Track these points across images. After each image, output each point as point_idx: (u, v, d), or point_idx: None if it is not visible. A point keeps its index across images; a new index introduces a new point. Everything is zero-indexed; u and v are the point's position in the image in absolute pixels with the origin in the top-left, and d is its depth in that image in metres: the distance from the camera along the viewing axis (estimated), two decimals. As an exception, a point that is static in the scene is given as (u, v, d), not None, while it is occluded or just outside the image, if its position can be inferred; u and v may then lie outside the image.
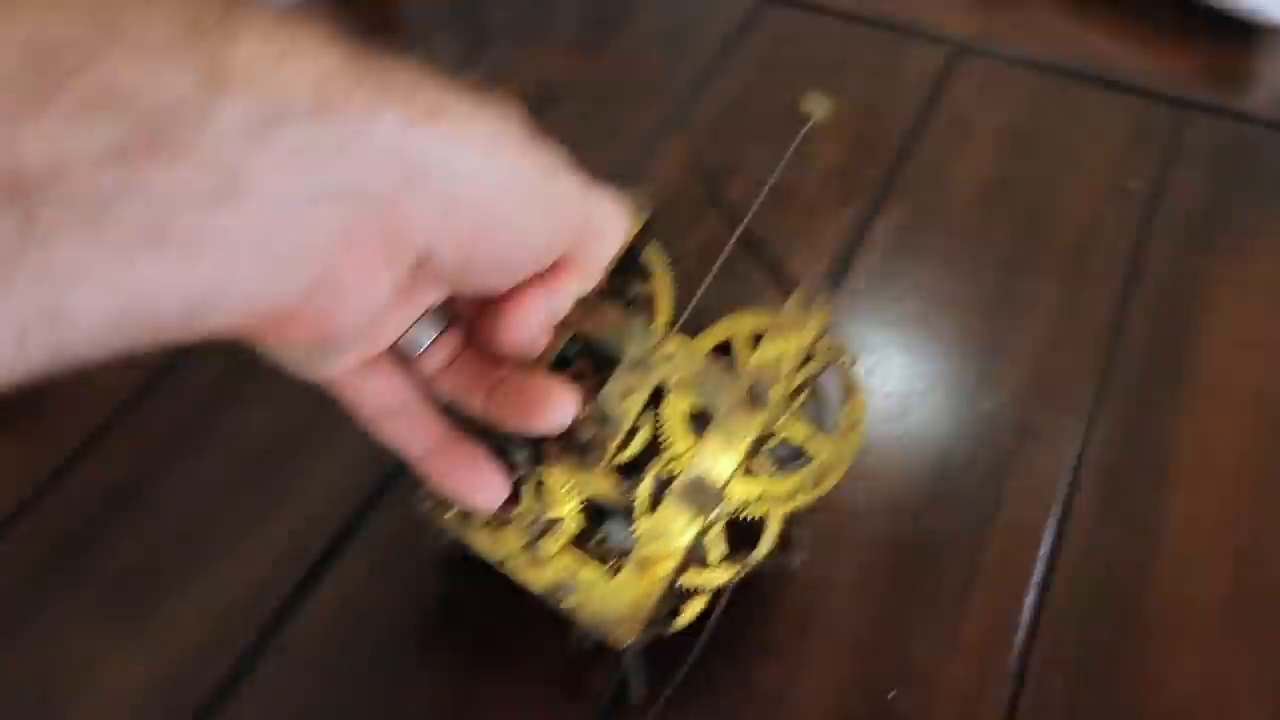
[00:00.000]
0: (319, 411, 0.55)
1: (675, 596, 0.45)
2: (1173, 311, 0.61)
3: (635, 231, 0.49)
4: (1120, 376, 0.58)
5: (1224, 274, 0.62)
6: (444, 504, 0.45)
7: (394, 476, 0.55)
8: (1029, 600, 0.50)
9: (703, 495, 0.44)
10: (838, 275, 0.63)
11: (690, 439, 0.46)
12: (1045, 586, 0.51)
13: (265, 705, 0.49)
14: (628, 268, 0.51)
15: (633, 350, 0.47)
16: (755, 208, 0.52)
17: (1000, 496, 0.54)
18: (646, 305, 0.49)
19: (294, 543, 0.54)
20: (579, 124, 0.73)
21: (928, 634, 0.49)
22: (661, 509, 0.44)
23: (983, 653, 0.49)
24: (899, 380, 0.58)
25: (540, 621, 0.48)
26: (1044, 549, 0.52)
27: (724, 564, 0.45)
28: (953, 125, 0.72)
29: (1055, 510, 0.53)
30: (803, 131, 0.55)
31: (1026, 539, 0.52)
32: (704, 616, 0.44)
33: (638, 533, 0.45)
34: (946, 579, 0.51)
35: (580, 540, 0.45)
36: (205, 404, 0.59)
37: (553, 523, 0.44)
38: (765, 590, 0.49)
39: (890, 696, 0.47)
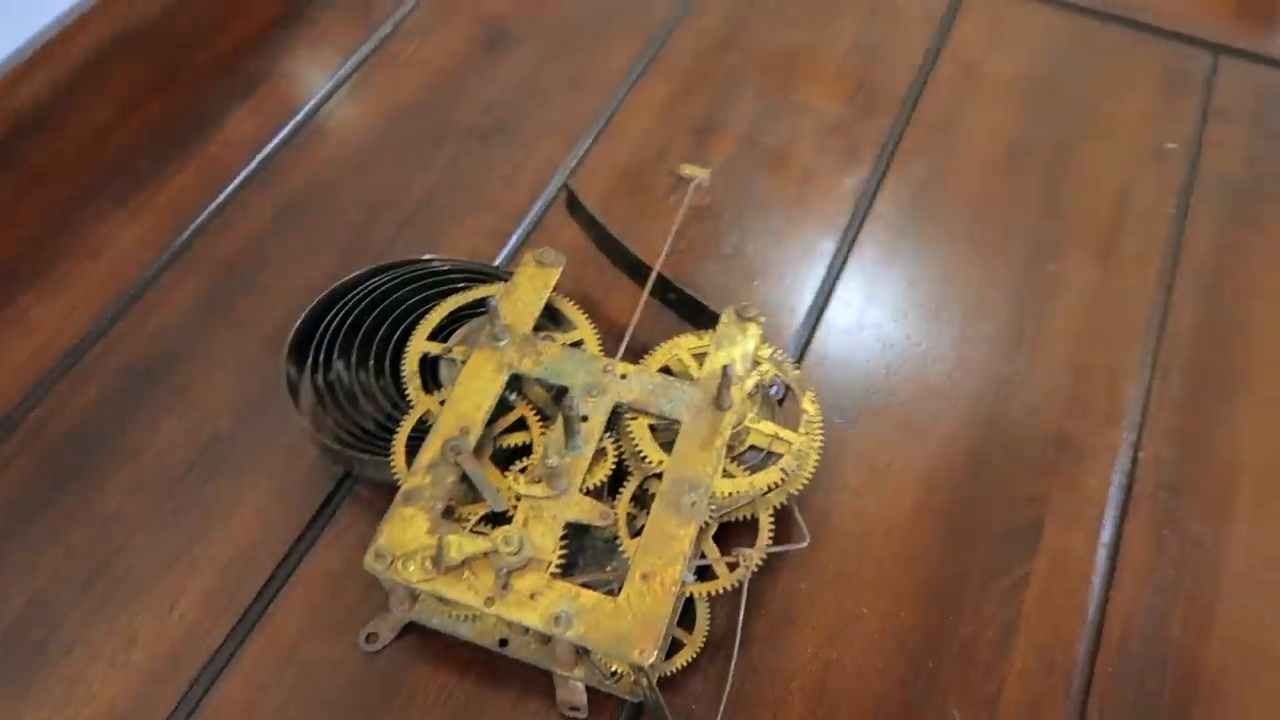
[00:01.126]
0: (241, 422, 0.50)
1: (684, 606, 0.42)
2: (1219, 297, 0.55)
3: (550, 285, 0.49)
4: (1169, 377, 0.52)
5: (1271, 251, 0.56)
6: (402, 557, 0.40)
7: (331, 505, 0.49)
8: (1080, 650, 0.45)
9: (691, 494, 0.41)
10: (841, 253, 0.58)
11: (660, 450, 0.44)
12: (1097, 631, 0.45)
13: None
14: (547, 320, 0.50)
15: (582, 377, 0.45)
16: (662, 259, 0.53)
17: (1040, 523, 0.48)
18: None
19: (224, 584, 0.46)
20: (538, 69, 0.67)
21: (965, 695, 0.43)
22: (652, 518, 0.41)
23: (1030, 718, 0.43)
24: (917, 384, 0.53)
25: (515, 678, 0.43)
26: (1095, 588, 0.46)
27: (727, 565, 0.42)
28: (963, 73, 0.66)
29: (1105, 539, 0.48)
30: (686, 200, 0.58)
31: (1074, 577, 0.47)
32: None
33: (627, 550, 0.41)
34: (983, 625, 0.45)
35: (564, 573, 0.41)
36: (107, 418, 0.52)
37: (531, 559, 0.40)
38: (783, 609, 0.45)
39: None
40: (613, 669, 0.42)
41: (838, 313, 0.56)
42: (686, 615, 0.44)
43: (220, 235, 0.59)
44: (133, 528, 0.48)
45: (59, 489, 0.49)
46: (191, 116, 0.64)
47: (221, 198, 0.60)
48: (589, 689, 0.42)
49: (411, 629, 0.44)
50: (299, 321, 0.50)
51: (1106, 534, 0.48)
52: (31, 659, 0.44)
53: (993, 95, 0.67)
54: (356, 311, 0.50)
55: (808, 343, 0.55)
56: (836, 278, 0.58)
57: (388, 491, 0.42)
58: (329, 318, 0.50)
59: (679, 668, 0.42)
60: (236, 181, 0.61)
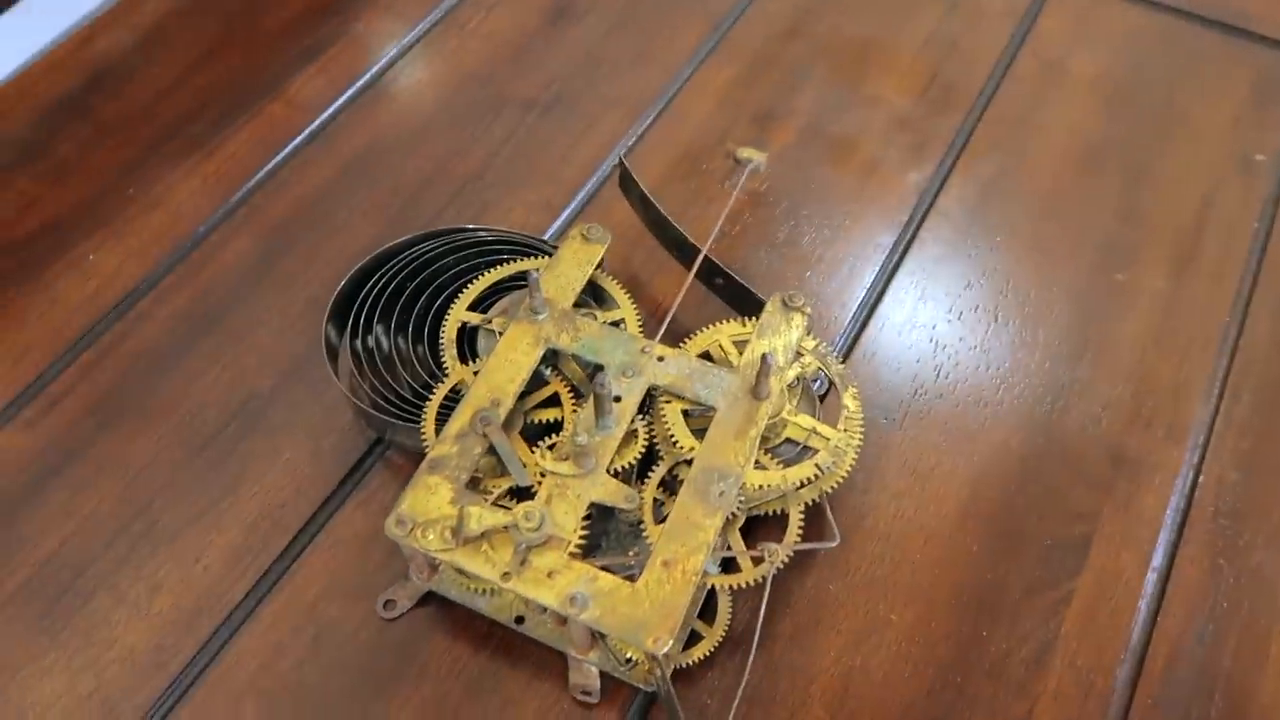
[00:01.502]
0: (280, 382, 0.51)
1: (704, 598, 0.41)
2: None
3: (594, 262, 0.48)
4: (1239, 398, 0.50)
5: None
6: (423, 525, 0.39)
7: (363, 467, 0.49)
8: (1120, 675, 0.42)
9: (721, 484, 0.40)
10: (899, 249, 0.56)
11: (692, 437, 0.42)
12: (1140, 658, 0.43)
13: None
14: (589, 298, 0.49)
15: (619, 356, 0.44)
16: (711, 241, 0.51)
17: (1088, 541, 0.46)
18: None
19: (249, 541, 0.46)
20: (603, 43, 0.66)
21: (993, 713, 0.41)
22: (677, 505, 0.40)
23: None
24: (969, 387, 0.51)
25: (529, 656, 0.42)
26: (1141, 612, 0.44)
27: (752, 559, 0.41)
28: (1043, 70, 0.63)
29: (1156, 564, 0.45)
30: (742, 179, 0.56)
31: (1119, 599, 0.45)
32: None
33: (650, 536, 0.40)
34: (1018, 642, 0.43)
35: (584, 554, 0.40)
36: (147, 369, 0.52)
37: (551, 537, 0.39)
38: (807, 608, 0.44)
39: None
40: (628, 656, 0.41)
41: (890, 309, 0.55)
42: (707, 608, 0.43)
43: (276, 195, 0.59)
44: (166, 478, 0.48)
45: (100, 433, 0.50)
46: (256, 78, 0.65)
47: (279, 158, 0.61)
48: (603, 674, 0.42)
49: (430, 599, 0.44)
50: (341, 285, 0.50)
51: (1159, 558, 0.46)
52: (57, 601, 0.45)
53: (1072, 94, 0.64)
54: (400, 278, 0.50)
55: (856, 338, 0.54)
56: (892, 274, 0.56)
57: (419, 459, 0.42)
58: (371, 282, 0.50)
59: (695, 660, 0.41)
60: (295, 143, 0.61)
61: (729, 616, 0.42)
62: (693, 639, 0.42)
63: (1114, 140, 0.62)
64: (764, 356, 0.42)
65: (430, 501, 0.40)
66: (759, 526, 0.45)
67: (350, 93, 0.64)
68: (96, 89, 0.64)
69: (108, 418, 0.50)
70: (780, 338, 0.45)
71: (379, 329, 0.49)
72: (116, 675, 0.43)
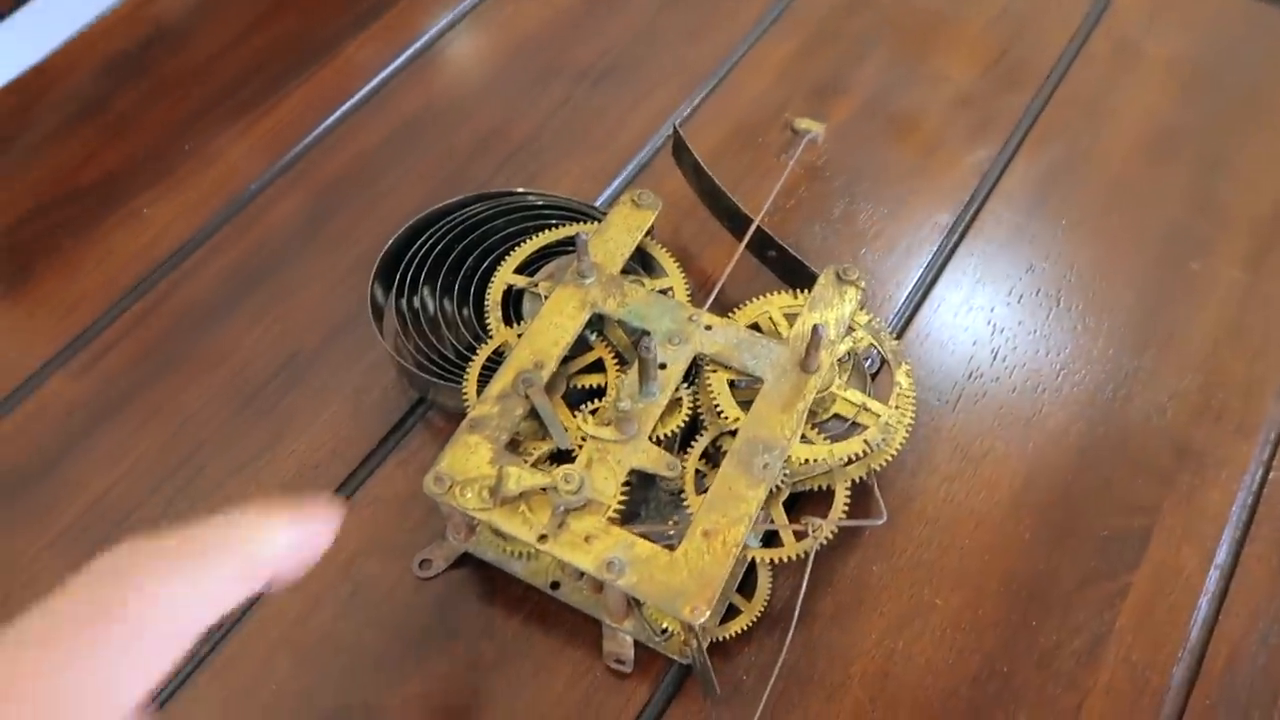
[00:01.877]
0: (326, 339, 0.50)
1: (744, 571, 0.40)
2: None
3: (643, 228, 0.47)
4: None
5: None
6: (461, 484, 0.39)
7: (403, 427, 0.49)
8: (1176, 675, 0.41)
9: (765, 456, 0.39)
10: (958, 228, 0.55)
11: (738, 408, 0.41)
12: (1199, 658, 0.41)
13: (231, 688, 0.41)
14: (637, 265, 0.48)
15: (666, 324, 0.43)
16: (764, 212, 0.50)
17: (1148, 534, 0.44)
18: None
19: (289, 495, 0.46)
20: (662, 13, 0.65)
21: (1041, 705, 0.40)
22: (720, 475, 0.39)
23: None
24: (1027, 372, 0.49)
25: (563, 622, 0.42)
26: (1201, 610, 0.42)
27: (795, 533, 0.40)
28: (1117, 50, 0.61)
29: (1220, 560, 0.44)
30: (798, 151, 0.55)
31: (1179, 595, 0.42)
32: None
33: (691, 506, 0.40)
34: (1070, 634, 0.42)
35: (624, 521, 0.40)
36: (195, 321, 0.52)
37: (590, 501, 0.38)
38: (847, 597, 0.43)
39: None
40: (663, 626, 0.40)
41: (947, 290, 0.53)
42: (746, 583, 0.42)
43: (328, 155, 0.59)
44: (211, 429, 0.48)
45: (148, 382, 0.50)
46: (311, 40, 0.65)
47: (332, 120, 0.61)
48: (637, 644, 0.41)
49: (466, 560, 0.44)
50: (390, 243, 0.50)
51: (1222, 555, 0.44)
52: (101, 544, 0.45)
53: (1148, 77, 0.62)
54: (447, 239, 0.50)
55: (910, 319, 0.52)
56: (950, 254, 0.54)
57: (459, 421, 0.41)
58: (419, 243, 0.49)
59: (732, 634, 0.40)
60: (348, 105, 0.61)
61: (768, 592, 0.41)
62: (730, 613, 0.41)
63: (1189, 126, 0.60)
64: (815, 328, 0.40)
65: (469, 460, 0.39)
66: (803, 503, 0.43)
67: (404, 57, 0.64)
68: (156, 46, 0.64)
69: (156, 368, 0.51)
70: (832, 311, 0.44)
71: (425, 290, 0.49)
72: (154, 621, 0.43)
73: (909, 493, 0.46)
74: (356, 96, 0.62)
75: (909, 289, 0.53)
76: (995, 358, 0.50)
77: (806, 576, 0.40)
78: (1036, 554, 0.44)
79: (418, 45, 0.64)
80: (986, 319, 0.52)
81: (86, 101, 0.62)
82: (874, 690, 0.41)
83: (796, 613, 0.40)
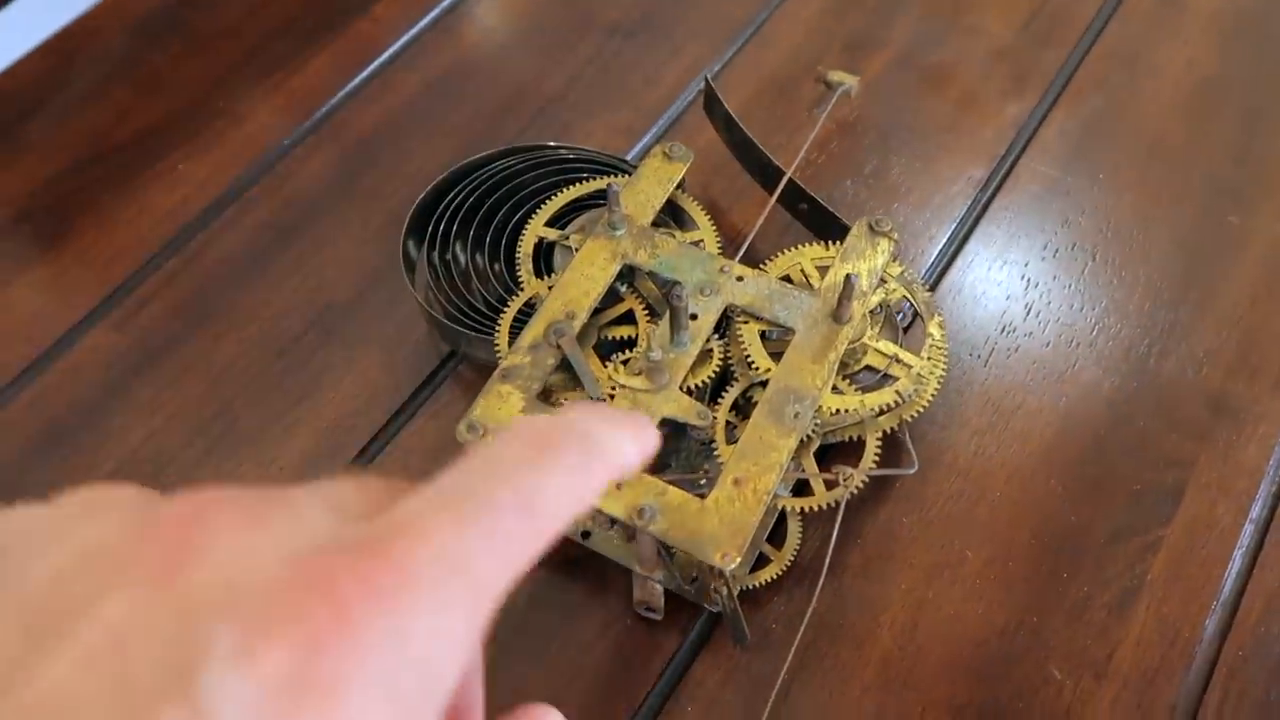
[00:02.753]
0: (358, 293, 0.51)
1: (774, 520, 0.40)
2: None
3: (674, 180, 0.47)
4: None
5: None
6: (493, 432, 0.39)
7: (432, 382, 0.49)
8: (1209, 626, 0.40)
9: (796, 405, 0.39)
10: (993, 183, 0.54)
11: (769, 359, 0.41)
12: (1232, 611, 0.41)
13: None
14: (668, 218, 0.48)
15: (697, 275, 0.43)
16: (796, 164, 0.50)
17: (1181, 488, 0.44)
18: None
19: (323, 445, 0.47)
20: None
21: (1070, 655, 0.40)
22: (751, 424, 0.39)
23: (1140, 690, 0.39)
24: (1061, 326, 0.49)
25: (593, 571, 0.42)
26: (1235, 563, 0.42)
27: (825, 483, 0.40)
28: (1159, 3, 0.60)
29: (1255, 515, 0.43)
30: (830, 104, 0.54)
31: (1212, 549, 0.42)
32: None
33: (722, 455, 0.40)
34: (1100, 587, 0.42)
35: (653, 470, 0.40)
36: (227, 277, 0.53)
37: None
38: (878, 543, 0.43)
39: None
40: (694, 575, 0.41)
41: (980, 244, 0.52)
42: (776, 533, 0.42)
43: (359, 111, 0.59)
44: (245, 382, 0.49)
45: (184, 335, 0.51)
46: (344, -6, 0.65)
47: (363, 76, 0.61)
48: (667, 592, 0.41)
49: (498, 510, 0.44)
50: (422, 196, 0.50)
51: (1257, 509, 0.44)
52: (142, 490, 0.46)
53: (1190, 29, 0.61)
54: (479, 192, 0.50)
55: (943, 273, 0.52)
56: (985, 208, 0.54)
57: (490, 374, 0.42)
58: (451, 195, 0.50)
59: (762, 583, 0.41)
60: (379, 61, 0.61)
61: (798, 542, 0.42)
62: (760, 562, 0.41)
63: (1232, 80, 0.58)
64: (847, 278, 0.40)
65: (502, 409, 0.40)
66: (834, 454, 0.43)
67: (435, 13, 0.64)
68: (188, 5, 0.65)
69: (191, 321, 0.51)
70: (865, 262, 0.44)
71: (456, 244, 0.49)
72: (193, 566, 0.44)
73: (940, 446, 0.46)
74: (386, 53, 0.62)
75: (942, 244, 0.52)
76: (1029, 312, 0.50)
77: (838, 525, 0.40)
78: (1068, 508, 0.44)
79: (447, 3, 0.64)
80: (1020, 273, 0.51)
81: (120, 60, 0.62)
82: (903, 640, 0.41)
83: (827, 561, 0.40)
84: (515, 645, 0.41)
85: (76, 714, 0.15)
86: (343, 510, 0.18)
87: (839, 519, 0.40)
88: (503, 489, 0.17)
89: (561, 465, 0.19)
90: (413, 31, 0.63)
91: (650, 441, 0.21)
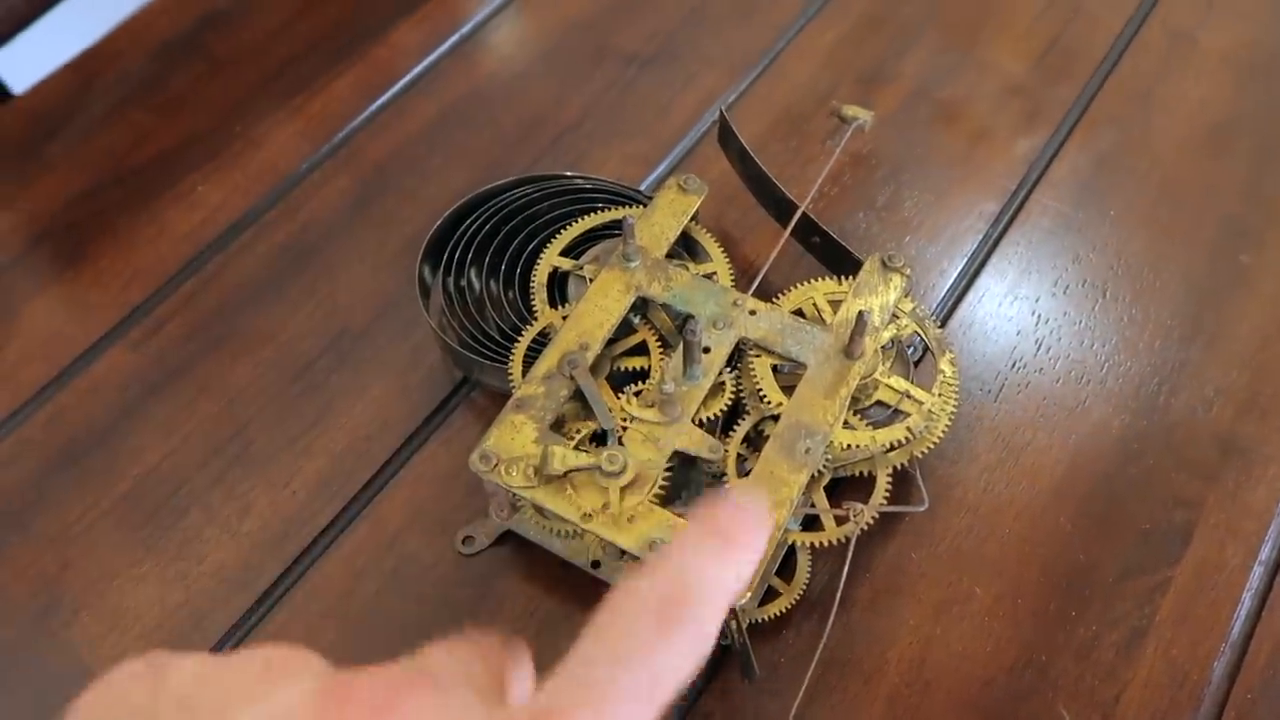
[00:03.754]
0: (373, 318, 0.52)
1: (784, 555, 0.40)
2: None
3: (689, 213, 0.47)
4: None
5: None
6: (506, 462, 0.39)
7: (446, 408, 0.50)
8: (1217, 669, 0.41)
9: (807, 440, 0.39)
10: (1005, 217, 0.54)
11: (781, 393, 0.42)
12: (1240, 653, 0.41)
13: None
14: (682, 250, 0.49)
15: (711, 308, 0.44)
16: (810, 198, 0.50)
17: (1190, 529, 0.44)
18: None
19: (336, 469, 0.47)
20: (707, 0, 0.65)
21: (1078, 695, 0.40)
22: (762, 459, 0.39)
23: None
24: (1071, 363, 0.49)
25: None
26: (1244, 605, 0.42)
27: (835, 519, 0.40)
28: (1171, 40, 0.61)
29: (1264, 557, 0.43)
30: (845, 138, 0.55)
31: (1221, 590, 0.42)
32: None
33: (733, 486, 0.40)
34: (1109, 626, 0.42)
35: (664, 503, 0.40)
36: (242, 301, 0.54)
37: (638, 477, 0.39)
38: (887, 577, 0.43)
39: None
40: (703, 607, 0.41)
41: (992, 279, 0.53)
42: (786, 566, 0.42)
43: (376, 137, 0.60)
44: (260, 405, 0.49)
45: (200, 357, 0.51)
46: (361, 22, 0.65)
47: (381, 102, 0.61)
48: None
49: (508, 538, 0.44)
50: (437, 224, 0.50)
51: (1266, 551, 0.44)
52: (154, 514, 0.46)
53: (1202, 68, 0.61)
54: (494, 220, 0.50)
55: (954, 307, 0.52)
56: (996, 243, 0.54)
57: (503, 401, 0.42)
58: (467, 223, 0.50)
59: (771, 616, 0.41)
60: (397, 88, 0.62)
61: (807, 576, 0.42)
62: (769, 595, 0.41)
63: (1244, 118, 0.59)
64: (860, 314, 0.41)
65: (515, 439, 0.40)
66: (844, 488, 0.44)
67: (453, 40, 0.64)
68: (209, 29, 0.66)
69: (208, 343, 0.52)
70: (877, 298, 0.44)
71: (471, 271, 0.50)
72: (206, 589, 0.44)
73: (950, 481, 0.46)
74: (404, 80, 0.62)
75: (953, 278, 0.53)
76: (1039, 348, 0.50)
77: (848, 561, 0.40)
78: (1076, 545, 0.44)
79: (465, 29, 0.65)
80: (1031, 309, 0.51)
81: (140, 83, 0.63)
82: (910, 676, 0.41)
83: (838, 597, 0.40)
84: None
85: None
86: (479, 688, 0.21)
87: (850, 553, 0.40)
88: (634, 676, 0.19)
89: (686, 637, 0.20)
90: (430, 58, 0.63)
91: (759, 547, 0.22)
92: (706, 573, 0.21)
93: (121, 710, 0.19)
